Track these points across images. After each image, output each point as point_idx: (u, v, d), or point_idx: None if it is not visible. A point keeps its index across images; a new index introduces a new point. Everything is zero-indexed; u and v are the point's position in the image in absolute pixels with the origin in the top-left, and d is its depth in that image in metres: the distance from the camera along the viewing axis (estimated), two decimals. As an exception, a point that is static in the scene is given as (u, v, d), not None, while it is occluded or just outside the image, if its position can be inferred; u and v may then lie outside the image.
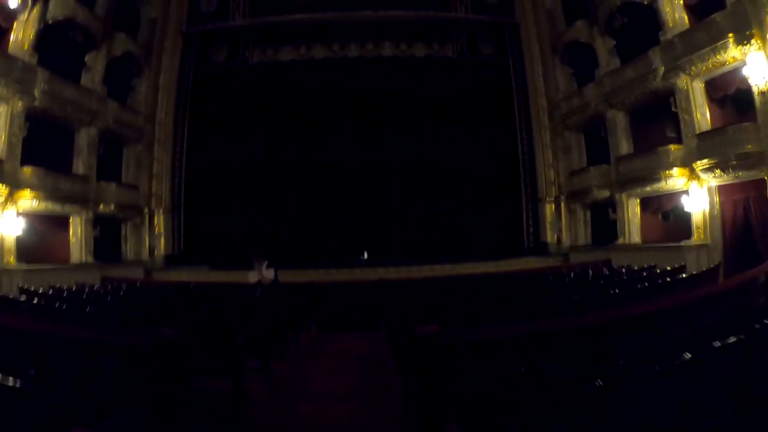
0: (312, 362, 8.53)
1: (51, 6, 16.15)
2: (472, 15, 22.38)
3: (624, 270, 13.02)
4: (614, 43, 18.81)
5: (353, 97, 22.36)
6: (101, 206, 18.14)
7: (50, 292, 11.69)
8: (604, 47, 18.92)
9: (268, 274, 10.24)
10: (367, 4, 21.92)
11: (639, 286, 8.51)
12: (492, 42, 23.05)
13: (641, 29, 17.07)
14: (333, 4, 21.99)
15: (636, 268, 13.11)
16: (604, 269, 14.20)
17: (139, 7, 21.13)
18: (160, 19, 21.69)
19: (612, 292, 7.94)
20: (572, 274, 12.60)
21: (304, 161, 22.14)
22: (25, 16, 15.35)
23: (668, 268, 11.42)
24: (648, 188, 17.02)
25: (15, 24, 15.25)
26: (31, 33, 15.59)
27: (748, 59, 12.83)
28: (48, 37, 16.30)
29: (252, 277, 10.28)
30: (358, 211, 21.95)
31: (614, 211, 18.45)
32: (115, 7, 19.01)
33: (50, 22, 16.21)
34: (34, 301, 9.56)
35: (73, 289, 11.92)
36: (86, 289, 12.22)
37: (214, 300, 10.49)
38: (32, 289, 11.87)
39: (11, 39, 15.30)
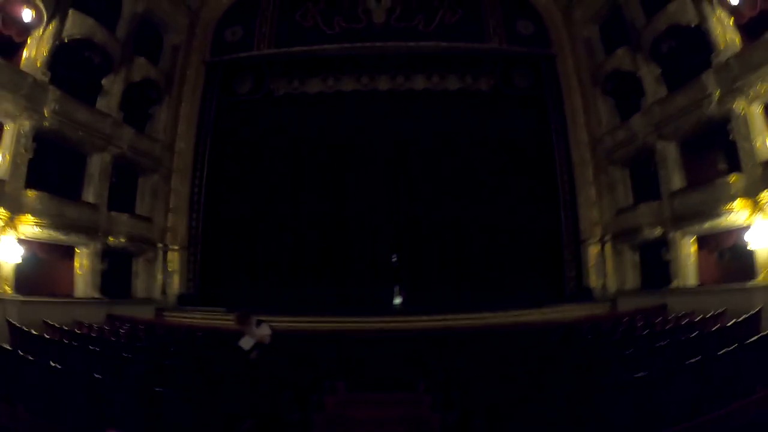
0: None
1: (68, 23, 15.35)
2: (507, 46, 21.18)
3: (685, 319, 11.36)
4: (660, 70, 17.47)
5: (383, 133, 21.22)
6: (111, 238, 16.97)
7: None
8: (650, 75, 17.56)
9: (263, 330, 7.99)
10: (398, 35, 20.90)
11: (723, 350, 5.53)
12: (527, 74, 21.88)
13: (690, 53, 15.85)
14: (362, 35, 20.99)
15: (699, 317, 11.44)
16: (660, 318, 12.56)
17: (162, 33, 20.37)
18: (183, 47, 20.91)
19: (695, 364, 5.14)
20: (622, 328, 10.89)
21: (330, 199, 20.84)
22: (40, 32, 14.49)
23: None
24: (706, 225, 15.35)
25: (29, 40, 14.39)
26: (45, 50, 14.71)
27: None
28: (63, 55, 15.49)
29: (246, 343, 7.73)
30: (387, 255, 20.57)
31: (667, 251, 16.72)
32: (136, 31, 18.20)
33: (66, 41, 15.39)
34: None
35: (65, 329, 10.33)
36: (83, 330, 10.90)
37: (217, 356, 8.77)
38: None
39: (24, 55, 14.40)
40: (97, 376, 5.07)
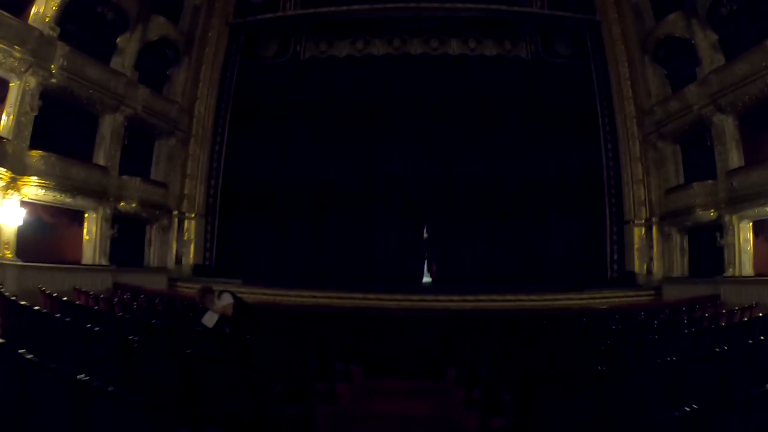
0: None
1: (79, -24, 14.33)
2: (548, 11, 19.62)
3: (745, 313, 9.92)
4: (717, 36, 15.79)
5: (415, 100, 19.80)
6: (122, 203, 16.12)
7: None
8: (706, 41, 15.90)
9: (224, 301, 6.82)
10: (433, -4, 19.46)
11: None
12: (570, 41, 20.32)
13: (753, 17, 14.28)
14: (395, -5, 19.61)
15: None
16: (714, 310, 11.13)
17: (182, -8, 19.23)
18: (205, 7, 19.77)
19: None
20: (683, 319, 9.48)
21: (358, 168, 19.63)
22: (49, -14, 13.50)
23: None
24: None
25: (37, -6, 13.41)
26: (54, 4, 13.71)
27: None
28: (74, 11, 14.56)
29: (210, 319, 6.63)
30: (417, 228, 19.31)
31: (722, 236, 15.21)
32: (154, -12, 17.13)
33: (78, -5, 14.36)
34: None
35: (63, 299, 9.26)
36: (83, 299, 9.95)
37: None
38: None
39: (32, 11, 13.45)
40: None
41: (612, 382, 3.92)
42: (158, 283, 16.60)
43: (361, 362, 7.85)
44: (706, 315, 9.82)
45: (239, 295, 7.34)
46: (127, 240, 16.73)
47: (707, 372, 4.50)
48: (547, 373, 4.47)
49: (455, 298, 13.91)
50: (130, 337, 4.60)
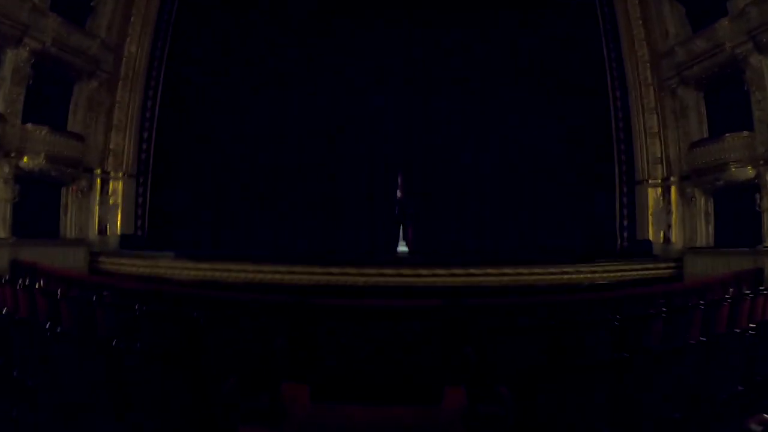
0: None
1: None
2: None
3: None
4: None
5: (389, 35, 16.74)
6: (25, 158, 12.84)
7: None
8: (742, -33, 13.09)
9: None
10: None
11: None
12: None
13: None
14: None
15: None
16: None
17: None
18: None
19: None
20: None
21: (318, 113, 16.64)
22: None
23: None
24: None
25: None
26: None
27: None
28: None
29: None
30: (391, 186, 16.49)
31: (761, 199, 12.61)
32: None
33: None
34: None
35: None
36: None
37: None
38: None
39: None
40: None
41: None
42: (75, 258, 13.60)
43: (307, 377, 4.91)
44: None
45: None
46: (35, 206, 13.54)
47: None
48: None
49: (441, 272, 11.15)
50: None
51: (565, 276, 11.72)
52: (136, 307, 5.03)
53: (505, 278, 11.15)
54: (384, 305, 6.09)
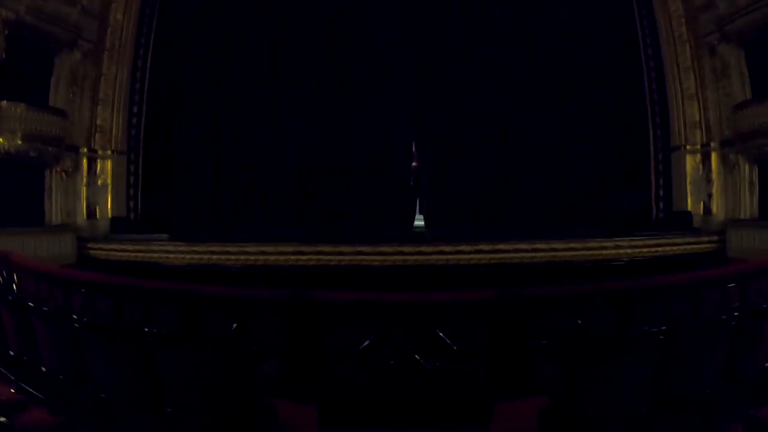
0: None
1: None
2: None
3: None
4: None
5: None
6: (0, 139, 11.64)
7: None
8: None
9: None
10: None
11: None
12: None
13: None
14: None
15: None
16: None
17: None
18: None
19: None
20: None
21: (324, 81, 15.62)
22: None
23: None
24: None
25: None
26: None
27: None
28: None
29: None
30: (407, 150, 15.56)
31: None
32: None
33: None
34: None
35: None
36: None
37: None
38: None
39: None
40: None
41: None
42: (62, 247, 12.55)
43: (314, 397, 3.73)
44: None
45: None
46: (17, 191, 12.49)
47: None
48: None
49: (465, 248, 10.02)
50: None
51: (604, 251, 10.58)
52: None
53: (539, 254, 10.01)
54: (411, 300, 4.73)
